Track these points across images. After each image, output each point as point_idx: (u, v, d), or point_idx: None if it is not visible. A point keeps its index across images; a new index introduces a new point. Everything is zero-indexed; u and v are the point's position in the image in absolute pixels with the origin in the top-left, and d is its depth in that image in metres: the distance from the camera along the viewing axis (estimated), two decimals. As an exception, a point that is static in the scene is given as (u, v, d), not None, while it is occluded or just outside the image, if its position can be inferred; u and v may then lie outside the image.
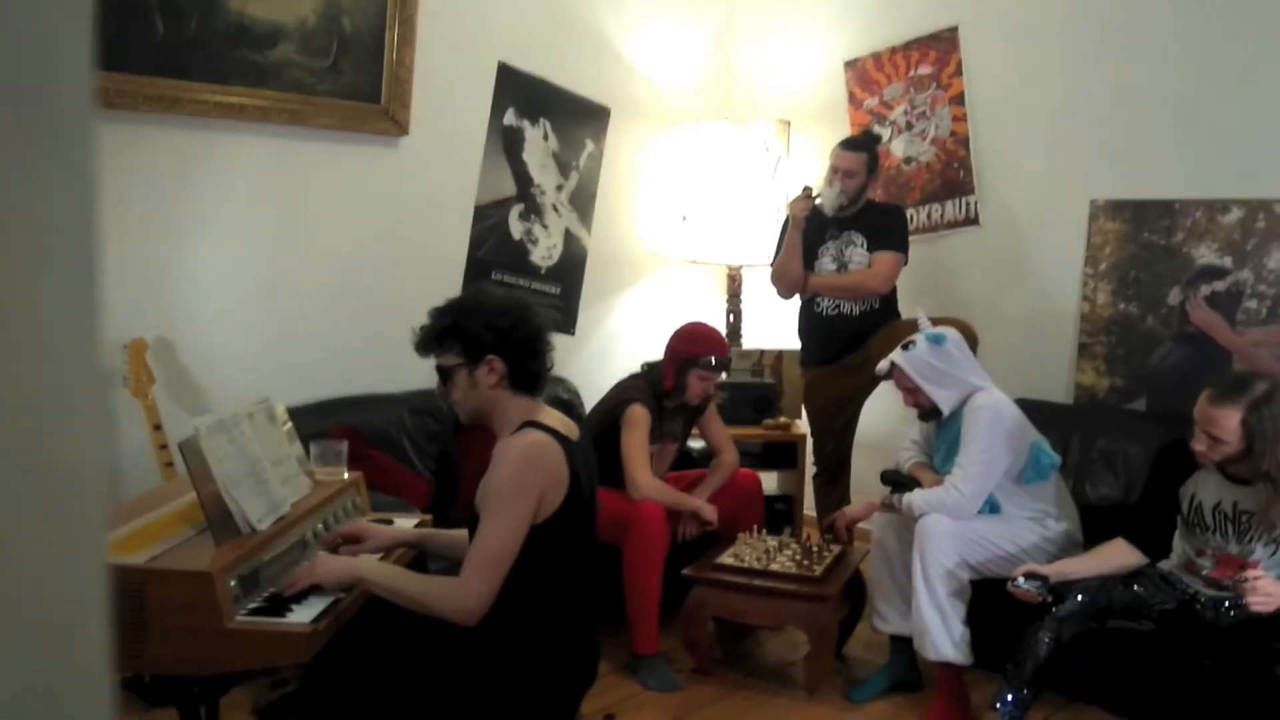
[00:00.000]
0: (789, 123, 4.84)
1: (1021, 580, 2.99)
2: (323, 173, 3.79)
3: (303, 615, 2.18)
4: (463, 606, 2.18)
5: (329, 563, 2.32)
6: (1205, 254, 3.84)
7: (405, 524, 2.85)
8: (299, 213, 3.75)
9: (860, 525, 3.66)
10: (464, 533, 2.46)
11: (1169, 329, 3.96)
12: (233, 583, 2.16)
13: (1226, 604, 2.86)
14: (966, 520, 3.27)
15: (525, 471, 2.22)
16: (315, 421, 3.44)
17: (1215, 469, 2.91)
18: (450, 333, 2.31)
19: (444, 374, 2.36)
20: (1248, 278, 3.75)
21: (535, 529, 2.23)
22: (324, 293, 3.85)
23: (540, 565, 2.26)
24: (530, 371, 2.34)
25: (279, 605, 2.22)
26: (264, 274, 3.69)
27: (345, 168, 3.85)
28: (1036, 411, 3.51)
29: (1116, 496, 3.76)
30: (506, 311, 2.32)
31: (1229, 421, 2.76)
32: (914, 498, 3.33)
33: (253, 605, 2.20)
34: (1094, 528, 3.41)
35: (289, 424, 2.71)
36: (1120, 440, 3.85)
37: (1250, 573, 2.66)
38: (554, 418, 2.38)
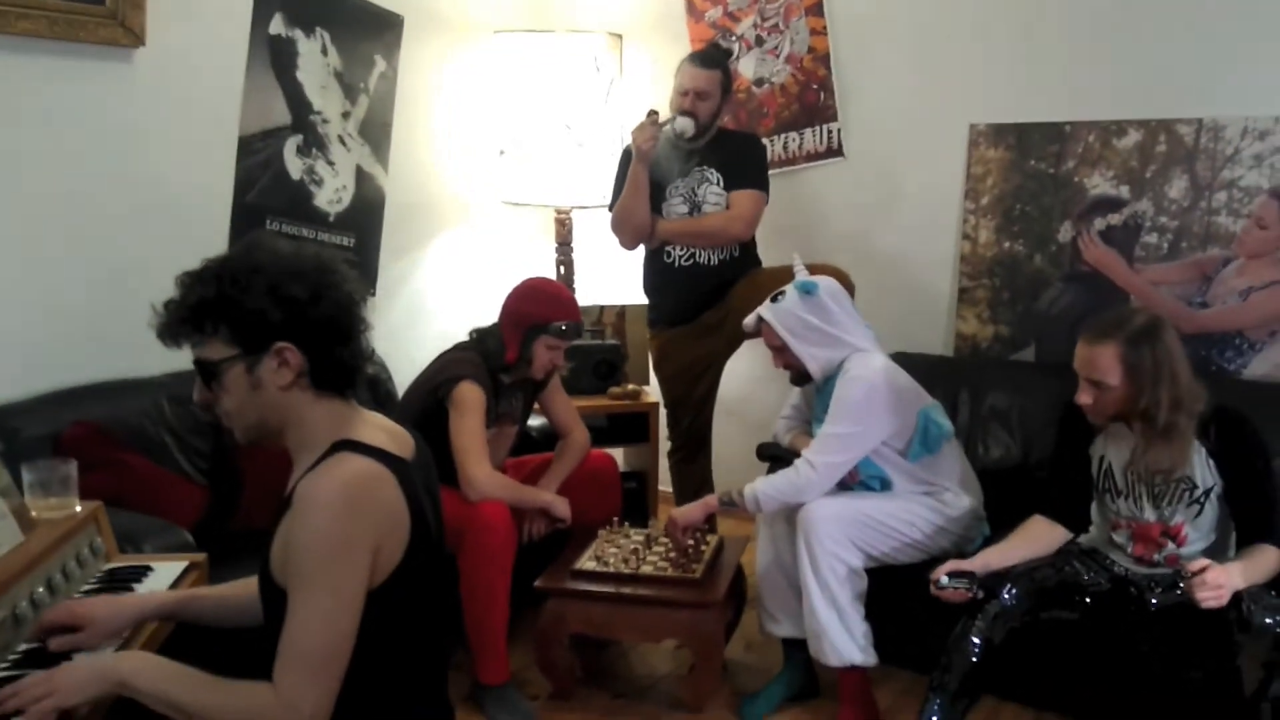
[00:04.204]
0: (621, 36, 4.27)
1: (945, 579, 2.63)
2: (30, 95, 3.08)
3: None
4: None
5: (71, 673, 1.58)
6: (1099, 183, 3.59)
7: (167, 573, 2.14)
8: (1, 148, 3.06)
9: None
10: (248, 584, 1.78)
11: (1059, 269, 3.70)
12: (-100, 711, 1.52)
13: (1157, 584, 2.61)
14: (853, 500, 2.92)
15: (348, 523, 1.53)
16: (41, 420, 2.89)
17: (1126, 425, 2.64)
18: (215, 309, 1.59)
19: (207, 372, 1.63)
20: (1146, 209, 3.50)
21: (372, 595, 1.57)
22: (42, 252, 3.13)
23: (381, 640, 1.60)
24: (339, 362, 1.65)
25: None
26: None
27: (62, 88, 3.15)
28: (914, 366, 3.20)
29: (1013, 459, 3.48)
30: (300, 274, 1.61)
31: (1106, 359, 2.51)
32: (757, 487, 2.92)
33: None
34: (992, 496, 3.13)
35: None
36: (1011, 395, 3.57)
37: (1193, 565, 2.35)
38: (376, 428, 1.70)
